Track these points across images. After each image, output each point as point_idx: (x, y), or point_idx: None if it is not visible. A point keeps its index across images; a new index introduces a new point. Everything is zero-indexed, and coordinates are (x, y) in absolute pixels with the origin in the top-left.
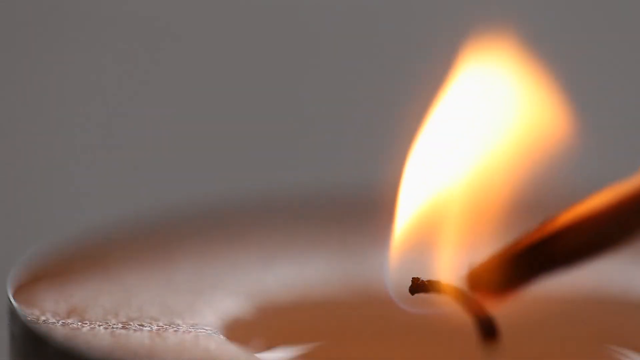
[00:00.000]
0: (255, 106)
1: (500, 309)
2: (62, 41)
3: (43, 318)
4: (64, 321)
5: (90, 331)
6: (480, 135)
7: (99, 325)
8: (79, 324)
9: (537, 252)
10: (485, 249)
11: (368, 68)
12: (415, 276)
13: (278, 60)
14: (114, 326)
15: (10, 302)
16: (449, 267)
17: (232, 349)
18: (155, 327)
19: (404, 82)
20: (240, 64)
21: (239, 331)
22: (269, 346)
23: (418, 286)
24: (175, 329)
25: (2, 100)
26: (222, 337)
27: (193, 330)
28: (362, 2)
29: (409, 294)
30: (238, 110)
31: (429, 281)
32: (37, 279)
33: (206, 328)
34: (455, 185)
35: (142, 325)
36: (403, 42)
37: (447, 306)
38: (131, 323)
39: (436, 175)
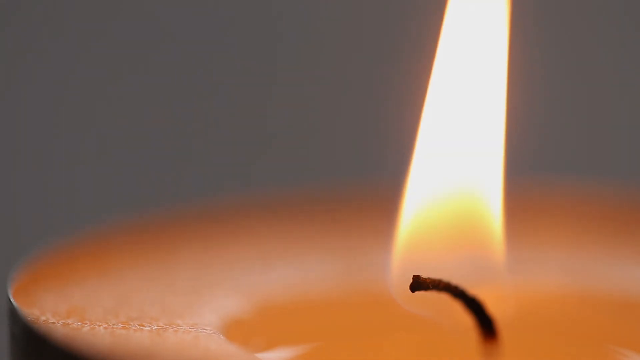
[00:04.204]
0: (255, 106)
1: (500, 309)
2: (62, 40)
3: (43, 318)
4: (64, 321)
5: (90, 331)
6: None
7: (99, 325)
8: (79, 324)
9: None
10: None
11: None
12: (416, 274)
13: (274, 57)
14: (114, 326)
15: (10, 302)
16: (448, 266)
17: (232, 349)
18: (155, 327)
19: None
20: (239, 63)
21: (239, 331)
22: (269, 346)
23: (419, 284)
24: (175, 329)
25: (2, 100)
26: (222, 337)
27: (193, 330)
28: None
29: (410, 291)
30: (238, 110)
31: (429, 279)
32: (37, 279)
33: (206, 328)
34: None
35: (142, 325)
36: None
37: (447, 305)
38: (131, 323)
39: (440, 174)
